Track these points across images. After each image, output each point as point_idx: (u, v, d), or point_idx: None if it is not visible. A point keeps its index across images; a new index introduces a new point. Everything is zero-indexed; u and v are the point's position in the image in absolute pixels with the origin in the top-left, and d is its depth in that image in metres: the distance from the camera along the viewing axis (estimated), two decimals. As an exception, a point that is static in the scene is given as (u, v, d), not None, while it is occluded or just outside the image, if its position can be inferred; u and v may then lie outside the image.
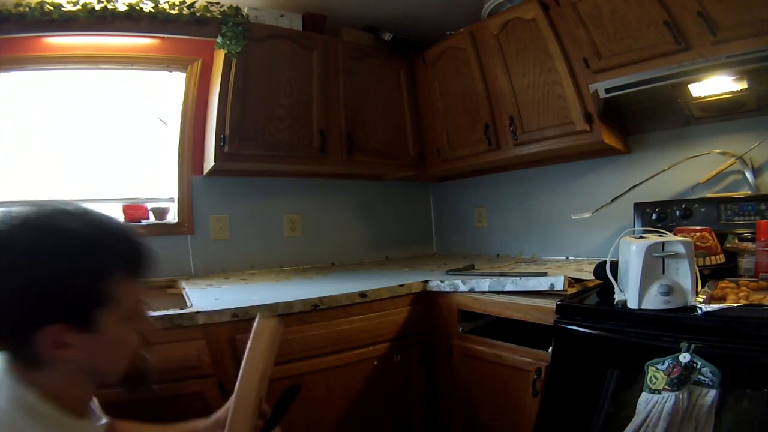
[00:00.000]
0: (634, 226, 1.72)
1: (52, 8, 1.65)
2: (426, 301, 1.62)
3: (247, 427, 0.82)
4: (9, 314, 0.56)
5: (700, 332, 0.95)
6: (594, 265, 1.29)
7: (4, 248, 0.56)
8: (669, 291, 1.02)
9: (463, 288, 1.52)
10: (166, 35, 1.93)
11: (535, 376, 1.28)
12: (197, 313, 1.23)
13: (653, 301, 1.04)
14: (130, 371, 0.67)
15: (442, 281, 1.59)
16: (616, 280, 1.15)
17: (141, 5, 1.78)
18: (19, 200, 1.87)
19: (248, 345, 0.87)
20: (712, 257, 1.33)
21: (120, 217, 1.96)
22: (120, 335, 0.63)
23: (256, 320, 0.88)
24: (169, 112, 2.10)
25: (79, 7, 1.68)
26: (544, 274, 1.45)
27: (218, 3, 1.89)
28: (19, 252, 0.56)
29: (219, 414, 0.87)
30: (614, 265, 1.17)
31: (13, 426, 0.53)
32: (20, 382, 0.57)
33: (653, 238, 1.08)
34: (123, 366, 0.66)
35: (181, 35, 1.90)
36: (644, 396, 0.94)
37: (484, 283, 1.47)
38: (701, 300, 1.02)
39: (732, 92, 1.44)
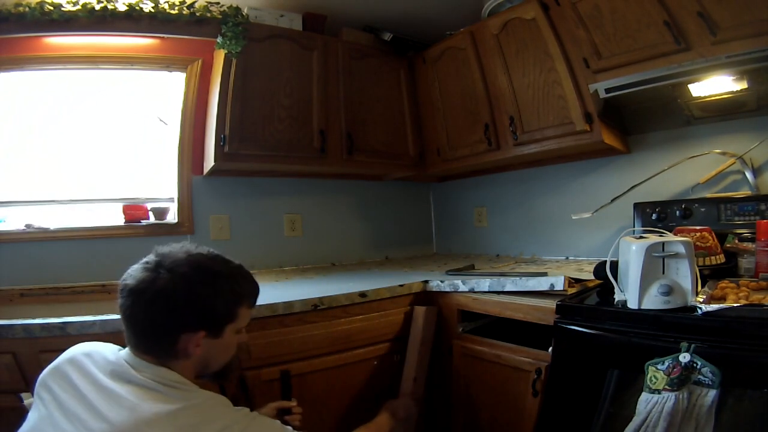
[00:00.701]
0: (634, 226, 1.72)
1: (52, 8, 1.65)
2: (426, 301, 1.62)
3: (413, 372, 1.48)
4: (171, 322, 0.77)
5: (700, 332, 0.95)
6: (594, 265, 1.29)
7: (192, 265, 0.80)
8: (669, 291, 1.02)
9: (463, 288, 1.52)
10: (166, 35, 1.93)
11: (535, 376, 1.28)
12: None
13: (653, 301, 1.04)
14: (222, 367, 0.89)
15: (442, 281, 1.59)
16: (616, 280, 1.15)
17: (141, 5, 1.78)
18: (19, 200, 1.87)
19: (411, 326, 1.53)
20: (712, 257, 1.33)
21: (120, 217, 1.96)
22: (231, 342, 0.87)
23: (414, 309, 1.54)
24: (169, 112, 2.10)
25: (79, 7, 1.68)
26: (544, 274, 1.45)
27: (218, 3, 1.89)
28: (202, 270, 0.81)
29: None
30: (614, 265, 1.17)
31: (164, 392, 0.73)
32: (160, 366, 0.77)
33: (653, 238, 1.08)
34: (224, 363, 0.89)
35: (181, 35, 1.90)
36: (644, 396, 0.94)
37: (484, 283, 1.47)
38: (701, 300, 1.02)
39: (732, 92, 1.44)
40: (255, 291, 0.92)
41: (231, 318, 0.84)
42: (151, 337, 0.78)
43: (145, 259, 0.81)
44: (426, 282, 1.63)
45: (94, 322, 1.14)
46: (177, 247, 0.84)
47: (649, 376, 0.95)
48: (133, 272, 0.79)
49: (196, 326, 0.78)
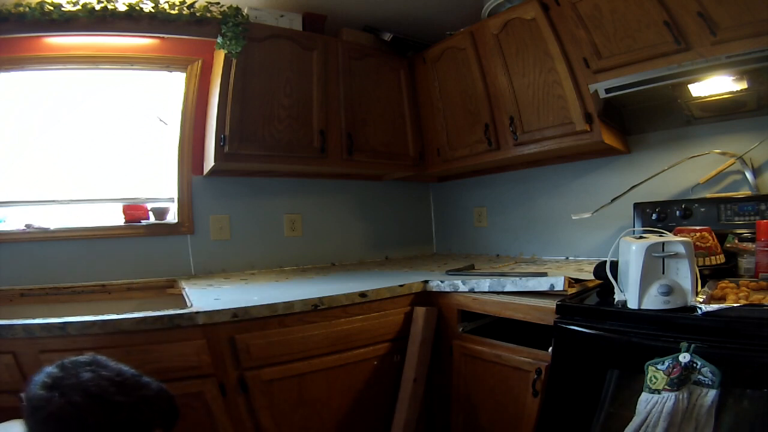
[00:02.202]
0: (634, 226, 1.72)
1: (52, 8, 1.65)
2: (426, 301, 1.62)
3: (412, 373, 1.51)
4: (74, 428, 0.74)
5: (700, 332, 0.95)
6: (594, 265, 1.29)
7: (87, 393, 0.76)
8: (669, 291, 1.02)
9: (463, 288, 1.52)
10: (166, 35, 1.93)
11: (535, 376, 1.28)
12: (197, 313, 1.23)
13: (653, 301, 1.04)
14: None
15: (442, 281, 1.59)
16: (616, 280, 1.15)
17: (141, 5, 1.78)
18: (19, 200, 1.87)
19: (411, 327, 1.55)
20: (712, 257, 1.33)
21: (120, 217, 1.96)
22: None
23: (414, 309, 1.56)
24: (169, 112, 2.10)
25: (79, 7, 1.68)
26: (544, 275, 1.45)
27: (218, 3, 1.89)
28: (96, 400, 0.76)
29: None
30: (614, 265, 1.17)
31: None
32: None
33: (653, 238, 1.08)
34: None
35: (181, 35, 1.90)
36: (644, 396, 0.94)
37: (484, 283, 1.47)
38: (701, 300, 1.02)
39: (732, 92, 1.44)
40: (168, 417, 0.86)
41: None
42: None
43: (48, 369, 0.79)
44: (426, 282, 1.63)
45: (94, 322, 1.14)
46: (84, 364, 0.80)
47: (649, 376, 0.95)
48: (35, 384, 0.77)
49: None
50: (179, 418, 0.87)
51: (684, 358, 0.92)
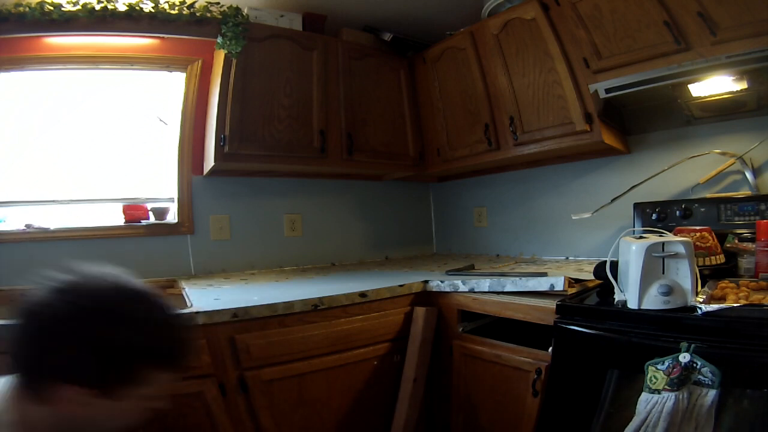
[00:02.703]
0: (634, 226, 1.72)
1: (52, 8, 1.65)
2: (426, 301, 1.62)
3: (412, 373, 1.50)
4: (47, 362, 0.61)
5: (700, 332, 0.95)
6: (594, 265, 1.29)
7: (75, 312, 0.62)
8: (669, 291, 1.02)
9: (463, 288, 1.52)
10: (166, 35, 1.93)
11: (535, 376, 1.28)
12: (197, 313, 1.23)
13: (653, 301, 1.04)
14: None
15: (442, 281, 1.59)
16: (616, 280, 1.15)
17: (141, 5, 1.78)
18: (19, 200, 1.87)
19: (411, 327, 1.55)
20: (712, 257, 1.33)
21: (120, 217, 1.96)
22: (128, 408, 0.68)
23: (414, 309, 1.56)
24: (169, 112, 2.10)
25: (79, 7, 1.68)
26: (544, 275, 1.45)
27: (218, 3, 1.89)
28: (101, 308, 0.63)
29: None
30: (614, 265, 1.17)
31: None
32: (17, 401, 0.62)
33: (653, 238, 1.08)
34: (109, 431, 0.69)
35: (181, 35, 1.90)
36: (644, 396, 0.94)
37: (484, 284, 1.47)
38: (701, 300, 1.02)
39: (732, 92, 1.44)
40: (174, 352, 0.71)
41: (131, 378, 0.65)
42: (21, 370, 0.64)
43: (65, 273, 0.66)
44: (426, 282, 1.63)
45: (94, 322, 1.14)
46: (108, 273, 0.68)
47: (649, 376, 0.95)
48: (40, 286, 0.65)
49: (77, 378, 0.61)
50: (187, 361, 0.74)
51: (684, 358, 0.92)
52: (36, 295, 0.63)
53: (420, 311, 1.54)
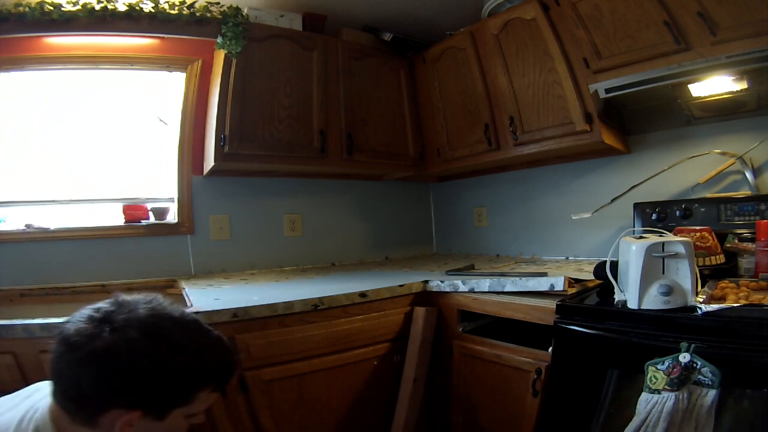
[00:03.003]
0: (634, 226, 1.72)
1: (52, 8, 1.65)
2: (426, 301, 1.62)
3: (412, 373, 1.50)
4: (101, 392, 0.63)
5: (700, 332, 0.95)
6: (594, 265, 1.29)
7: (145, 330, 0.65)
8: (669, 291, 1.02)
9: (463, 288, 1.52)
10: (166, 35, 1.93)
11: (535, 376, 1.28)
12: (197, 313, 1.23)
13: (653, 301, 1.04)
14: None
15: (442, 281, 1.59)
16: (616, 280, 1.15)
17: (141, 5, 1.78)
18: (19, 200, 1.88)
19: (411, 327, 1.55)
20: (712, 257, 1.33)
21: (120, 217, 1.96)
22: (177, 425, 0.71)
23: (414, 309, 1.56)
24: (169, 112, 2.10)
25: (79, 7, 1.68)
26: (544, 275, 1.45)
27: (218, 3, 1.89)
28: (155, 340, 0.65)
29: None
30: (614, 265, 1.17)
31: None
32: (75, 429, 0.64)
33: (653, 238, 1.08)
34: None
35: (181, 35, 1.90)
36: (644, 396, 0.94)
37: (484, 284, 1.47)
38: (701, 300, 1.02)
39: (732, 92, 1.44)
40: (225, 373, 0.74)
41: (184, 401, 0.69)
42: (73, 400, 0.65)
43: (98, 304, 0.67)
44: (426, 282, 1.63)
45: (94, 322, 1.14)
46: (143, 301, 0.68)
47: (649, 376, 0.95)
48: (77, 318, 0.66)
49: (132, 404, 0.64)
50: (232, 377, 0.77)
51: (684, 358, 0.92)
52: (73, 326, 0.64)
53: (420, 311, 1.54)
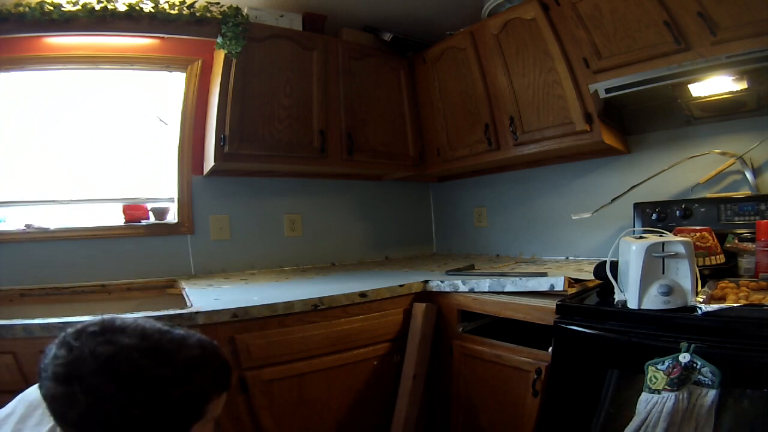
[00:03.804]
0: (634, 226, 1.72)
1: (52, 8, 1.65)
2: (426, 301, 1.62)
3: (412, 370, 1.50)
4: (127, 423, 0.59)
5: (700, 332, 0.95)
6: (594, 265, 1.29)
7: (115, 376, 0.59)
8: (669, 291, 1.02)
9: (463, 288, 1.52)
10: (166, 35, 1.93)
11: (535, 376, 1.28)
12: (197, 313, 1.23)
13: (653, 301, 1.04)
14: None
15: (442, 281, 1.59)
16: (616, 280, 1.15)
17: (141, 5, 1.78)
18: (19, 200, 1.88)
19: (411, 323, 1.56)
20: (712, 257, 1.33)
21: (120, 217, 1.96)
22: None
23: (413, 306, 1.56)
24: (169, 112, 2.10)
25: (79, 7, 1.68)
26: (544, 275, 1.45)
27: (218, 3, 1.89)
28: (132, 383, 0.59)
29: None
30: (614, 265, 1.17)
31: None
32: None
33: (653, 238, 1.08)
34: None
35: (181, 35, 1.90)
36: (644, 396, 0.94)
37: (484, 284, 1.47)
38: (701, 300, 1.02)
39: (732, 92, 1.44)
40: (222, 377, 0.70)
41: (196, 418, 0.65)
42: (91, 428, 0.60)
43: (54, 351, 0.60)
44: (426, 282, 1.63)
45: (94, 322, 1.14)
46: (98, 333, 0.61)
47: (649, 376, 0.95)
48: (44, 373, 0.60)
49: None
50: (232, 373, 0.74)
51: (684, 358, 0.92)
52: (44, 386, 0.60)
53: (419, 307, 1.55)
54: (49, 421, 0.68)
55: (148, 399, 0.59)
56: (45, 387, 0.60)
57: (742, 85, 1.40)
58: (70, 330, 0.63)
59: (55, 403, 0.59)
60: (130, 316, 0.69)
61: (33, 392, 0.76)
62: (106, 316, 0.66)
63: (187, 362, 0.64)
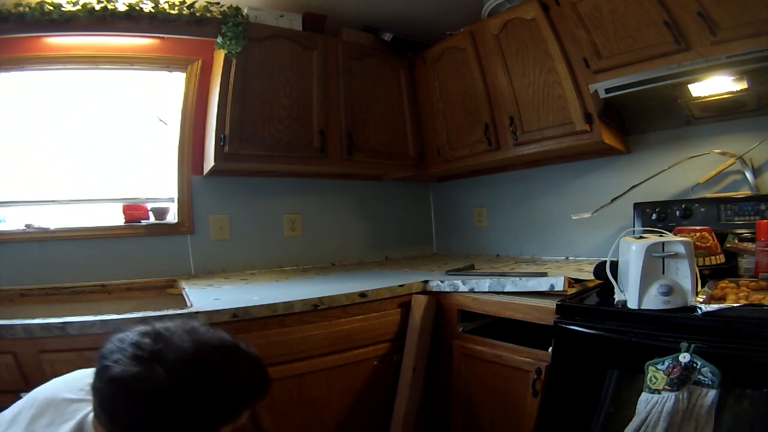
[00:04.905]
0: (634, 226, 1.72)
1: (52, 8, 1.65)
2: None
3: (411, 363, 1.50)
4: (160, 425, 0.64)
5: (700, 332, 0.95)
6: (594, 265, 1.29)
7: (197, 365, 0.67)
8: (669, 291, 1.02)
9: (463, 288, 1.52)
10: (166, 35, 1.93)
11: (535, 376, 1.28)
12: (197, 313, 1.23)
13: (653, 301, 1.04)
14: None
15: (442, 281, 1.59)
16: (616, 280, 1.15)
17: (141, 5, 1.78)
18: (19, 200, 1.88)
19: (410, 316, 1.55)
20: (712, 257, 1.33)
21: (120, 217, 1.96)
22: None
23: (413, 298, 1.57)
24: (169, 112, 2.10)
25: (79, 7, 1.68)
26: (544, 275, 1.45)
27: (218, 3, 1.89)
28: (209, 372, 0.67)
29: None
30: (614, 265, 1.17)
31: None
32: None
33: (653, 238, 1.08)
34: None
35: (181, 35, 1.90)
36: (644, 396, 0.94)
37: (484, 283, 1.47)
38: (701, 300, 1.02)
39: (732, 92, 1.44)
40: (265, 388, 0.80)
41: (233, 419, 0.72)
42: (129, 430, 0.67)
43: (137, 338, 0.67)
44: (426, 282, 1.63)
45: (94, 322, 1.14)
46: (180, 330, 0.70)
47: (649, 376, 0.95)
48: (120, 356, 0.65)
49: (187, 430, 0.67)
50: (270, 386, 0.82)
51: (684, 358, 0.92)
52: (120, 366, 0.64)
53: (418, 299, 1.55)
54: (61, 423, 0.71)
55: (214, 387, 0.67)
56: (120, 366, 0.64)
57: (742, 85, 1.40)
58: (155, 324, 0.71)
59: (126, 380, 0.63)
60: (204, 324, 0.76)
61: (41, 392, 0.77)
62: (192, 321, 0.75)
63: (249, 368, 0.75)
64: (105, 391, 0.65)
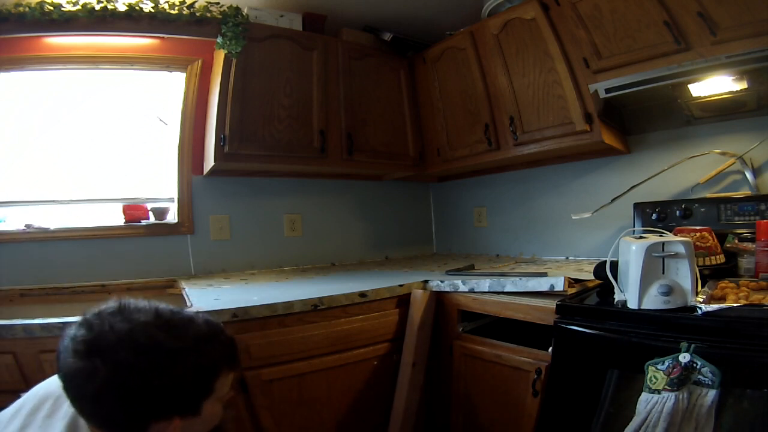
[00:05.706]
0: (634, 226, 1.72)
1: (52, 8, 1.65)
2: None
3: (411, 357, 1.49)
4: (130, 416, 0.63)
5: (700, 332, 0.95)
6: (594, 265, 1.29)
7: (134, 347, 0.63)
8: (669, 291, 1.02)
9: (463, 288, 1.52)
10: (166, 35, 1.93)
11: (535, 376, 1.28)
12: (197, 312, 1.23)
13: (653, 301, 1.04)
14: None
15: (442, 281, 1.59)
16: (616, 280, 1.15)
17: (141, 5, 1.78)
18: (19, 200, 1.88)
19: (409, 310, 1.55)
20: (712, 257, 1.33)
21: (120, 217, 1.96)
22: (213, 412, 0.74)
23: (412, 292, 1.56)
24: (169, 112, 2.10)
25: (79, 7, 1.68)
26: (544, 275, 1.45)
27: (218, 3, 1.89)
28: (150, 354, 0.64)
29: None
30: (614, 265, 1.17)
31: None
32: None
33: (653, 238, 1.08)
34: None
35: (181, 35, 1.90)
36: (644, 396, 0.94)
37: (484, 284, 1.47)
38: (701, 300, 1.02)
39: (732, 92, 1.44)
40: (230, 353, 0.77)
41: (206, 393, 0.71)
42: (112, 427, 0.65)
43: (74, 331, 0.65)
44: (426, 282, 1.63)
45: (94, 322, 1.14)
46: (116, 312, 0.66)
47: (649, 376, 0.95)
48: (64, 353, 0.64)
49: (166, 414, 0.65)
50: (238, 349, 0.79)
51: (684, 358, 0.92)
52: (65, 364, 0.63)
53: (417, 294, 1.55)
54: (61, 414, 0.71)
55: (164, 368, 0.64)
56: (66, 364, 0.63)
57: (742, 85, 1.40)
58: (88, 313, 0.69)
59: (74, 379, 0.62)
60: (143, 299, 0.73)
61: (42, 387, 0.78)
62: (122, 299, 0.71)
63: (197, 336, 0.70)
64: (67, 392, 0.65)
